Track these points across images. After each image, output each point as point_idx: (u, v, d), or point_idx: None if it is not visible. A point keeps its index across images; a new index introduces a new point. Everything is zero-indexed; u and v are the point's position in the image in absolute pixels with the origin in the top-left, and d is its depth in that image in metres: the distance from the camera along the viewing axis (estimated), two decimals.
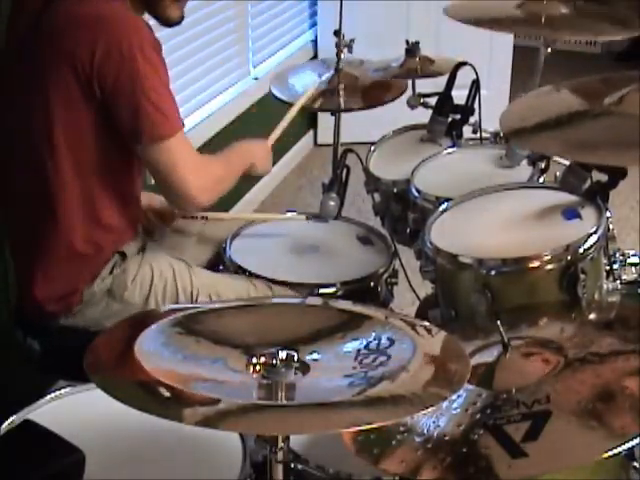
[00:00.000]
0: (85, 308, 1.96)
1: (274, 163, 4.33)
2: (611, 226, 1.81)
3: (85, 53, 1.77)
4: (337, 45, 2.74)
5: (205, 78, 3.46)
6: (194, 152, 1.93)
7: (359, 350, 1.35)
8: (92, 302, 1.96)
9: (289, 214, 2.46)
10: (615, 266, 1.81)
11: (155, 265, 2.01)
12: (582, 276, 1.69)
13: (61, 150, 1.85)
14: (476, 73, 2.50)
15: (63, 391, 1.70)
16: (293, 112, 2.45)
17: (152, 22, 2.04)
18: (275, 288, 2.07)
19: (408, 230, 2.27)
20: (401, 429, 1.39)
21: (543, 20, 2.31)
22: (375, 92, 2.77)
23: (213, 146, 3.43)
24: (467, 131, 2.52)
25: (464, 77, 2.50)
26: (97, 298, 1.96)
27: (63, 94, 1.81)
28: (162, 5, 1.94)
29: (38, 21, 1.83)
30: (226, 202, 3.75)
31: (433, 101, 2.55)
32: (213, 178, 1.97)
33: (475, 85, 2.50)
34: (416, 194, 2.20)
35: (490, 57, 4.39)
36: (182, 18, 2.00)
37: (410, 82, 2.69)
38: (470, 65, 2.50)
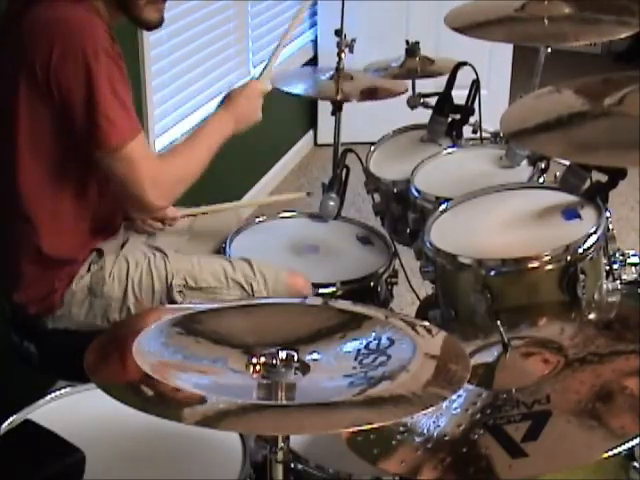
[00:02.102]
0: (70, 309, 1.97)
1: (274, 162, 4.35)
2: (611, 226, 1.81)
3: (43, 57, 1.77)
4: (338, 45, 2.74)
5: (205, 78, 3.46)
6: (149, 159, 1.90)
7: (359, 350, 1.35)
8: (74, 302, 1.96)
9: (285, 214, 2.47)
10: (615, 266, 1.81)
11: (130, 257, 2.02)
12: (582, 276, 1.70)
13: (25, 152, 1.85)
14: (476, 73, 2.50)
15: (63, 391, 1.70)
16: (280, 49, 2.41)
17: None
18: (255, 263, 2.06)
19: (408, 230, 2.27)
20: (401, 429, 1.39)
21: (546, 22, 2.30)
22: (375, 92, 2.77)
23: None
24: (467, 131, 2.52)
25: (464, 77, 2.50)
26: (78, 297, 1.96)
27: (26, 97, 1.81)
28: (137, 7, 1.90)
29: (15, 24, 1.84)
30: (225, 201, 3.75)
31: (433, 101, 2.55)
32: (170, 181, 1.93)
33: (475, 85, 2.50)
34: (416, 194, 2.20)
35: (490, 57, 4.39)
36: (161, 21, 1.96)
37: (410, 82, 2.70)
38: (470, 65, 2.50)
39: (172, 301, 1.99)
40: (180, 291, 2.00)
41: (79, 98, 1.78)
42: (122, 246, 2.07)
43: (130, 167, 1.85)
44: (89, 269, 1.98)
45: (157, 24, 1.97)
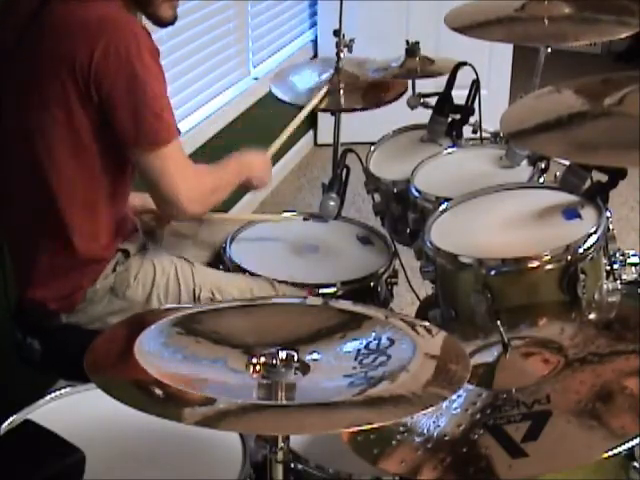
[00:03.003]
0: (88, 306, 1.96)
1: (274, 162, 4.35)
2: (611, 226, 1.81)
3: (84, 55, 1.76)
4: (337, 45, 2.74)
5: (205, 78, 3.46)
6: (188, 162, 1.92)
7: (359, 350, 1.35)
8: (95, 300, 1.96)
9: (286, 214, 2.46)
10: (615, 266, 1.81)
11: (157, 262, 2.02)
12: (582, 276, 1.69)
13: (59, 151, 1.85)
14: (476, 73, 2.50)
15: (63, 391, 1.70)
16: (294, 124, 2.46)
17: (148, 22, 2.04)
18: (278, 286, 2.07)
19: (408, 230, 2.27)
20: (401, 429, 1.39)
21: (546, 23, 2.31)
22: (375, 92, 2.77)
23: (213, 146, 3.43)
24: (467, 131, 2.52)
25: (464, 77, 2.50)
26: (99, 296, 1.96)
27: (60, 95, 1.80)
28: (153, 4, 1.92)
29: (35, 21, 1.83)
30: (226, 202, 3.74)
31: (433, 101, 2.55)
32: (205, 189, 1.96)
33: (475, 85, 2.50)
34: (416, 194, 2.20)
35: (490, 57, 4.39)
36: (175, 18, 1.98)
37: (410, 82, 2.70)
38: (470, 65, 2.50)
39: None
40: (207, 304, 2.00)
41: (124, 95, 1.78)
42: (143, 248, 2.06)
43: (170, 166, 1.85)
44: (114, 269, 1.97)
45: (171, 21, 1.99)
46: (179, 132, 1.90)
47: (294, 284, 2.08)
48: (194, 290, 2.02)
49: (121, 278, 1.97)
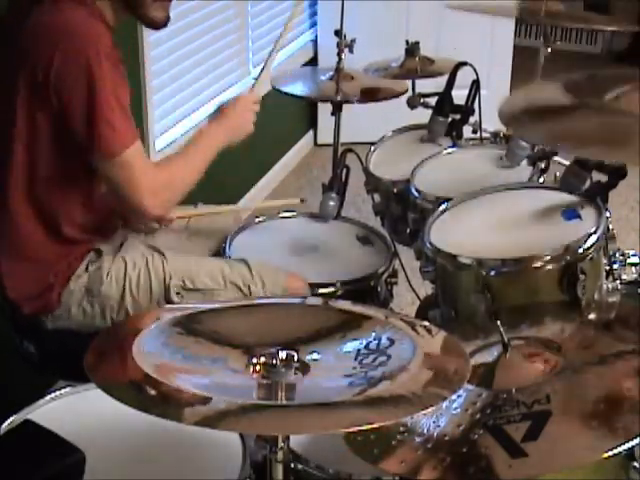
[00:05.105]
0: (68, 308, 1.96)
1: (274, 162, 4.35)
2: (611, 226, 1.81)
3: (44, 60, 1.76)
4: (338, 45, 2.74)
5: (205, 78, 3.46)
6: (149, 167, 1.90)
7: (359, 350, 1.35)
8: (72, 301, 1.96)
9: (285, 214, 2.47)
10: (615, 266, 1.81)
11: (128, 257, 2.02)
12: (582, 276, 1.70)
13: (17, 154, 1.85)
14: (476, 73, 2.50)
15: (63, 391, 1.69)
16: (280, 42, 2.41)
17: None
18: (254, 266, 2.06)
19: (408, 230, 2.27)
20: (401, 429, 1.39)
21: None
22: (375, 92, 2.78)
23: None
24: (467, 131, 2.52)
25: (464, 77, 2.51)
26: (76, 297, 1.96)
27: (23, 100, 1.81)
28: (144, 5, 1.90)
29: (17, 26, 1.83)
30: (226, 202, 3.75)
31: (433, 101, 2.55)
32: (168, 190, 1.93)
33: (475, 85, 2.50)
34: (416, 194, 2.20)
35: (490, 57, 4.39)
36: (167, 19, 1.96)
37: (410, 82, 2.70)
38: (470, 65, 2.50)
39: (169, 302, 1.99)
40: (178, 292, 2.00)
41: (80, 102, 1.78)
42: (120, 246, 2.07)
43: (129, 174, 1.84)
44: (87, 269, 1.98)
45: (163, 23, 1.96)
46: (137, 137, 1.86)
47: None
48: (164, 278, 2.01)
49: (94, 276, 1.97)
